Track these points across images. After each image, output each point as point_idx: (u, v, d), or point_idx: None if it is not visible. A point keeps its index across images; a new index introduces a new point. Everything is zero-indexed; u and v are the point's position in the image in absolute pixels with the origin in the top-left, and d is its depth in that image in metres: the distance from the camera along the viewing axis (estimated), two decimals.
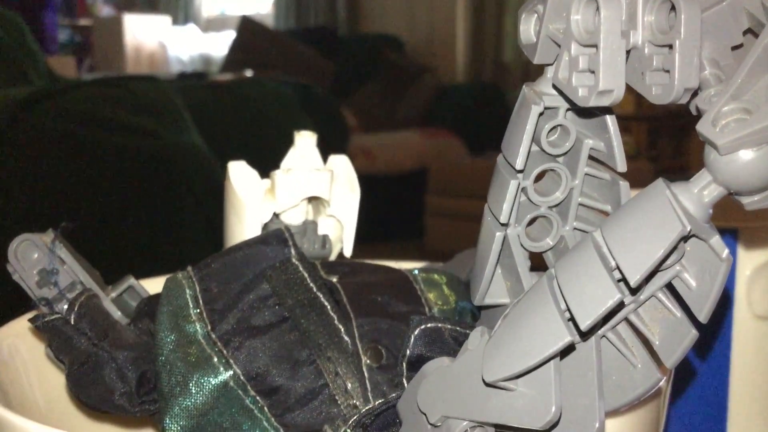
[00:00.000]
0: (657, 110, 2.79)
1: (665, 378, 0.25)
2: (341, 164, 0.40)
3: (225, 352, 0.32)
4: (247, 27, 3.53)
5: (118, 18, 4.24)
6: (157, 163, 1.38)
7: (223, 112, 1.76)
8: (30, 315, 0.34)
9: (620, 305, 0.23)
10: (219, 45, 4.22)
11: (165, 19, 4.42)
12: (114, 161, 1.35)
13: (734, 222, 0.42)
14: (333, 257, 0.40)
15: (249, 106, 1.82)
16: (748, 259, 0.43)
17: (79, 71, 3.68)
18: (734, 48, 0.24)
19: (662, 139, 2.92)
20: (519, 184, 0.25)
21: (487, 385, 0.23)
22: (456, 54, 3.68)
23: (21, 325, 0.36)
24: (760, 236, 0.43)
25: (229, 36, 3.87)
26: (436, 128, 3.04)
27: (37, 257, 0.35)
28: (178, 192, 1.37)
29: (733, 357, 0.43)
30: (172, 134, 1.45)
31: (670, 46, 0.22)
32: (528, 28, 0.25)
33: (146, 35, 4.23)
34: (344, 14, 4.10)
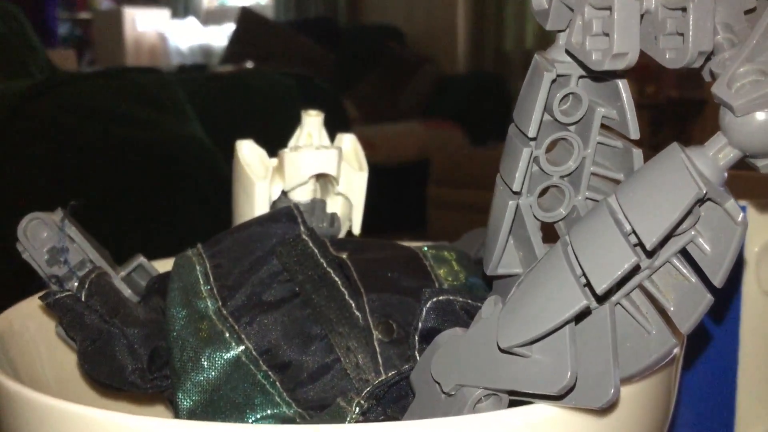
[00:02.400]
0: (658, 98, 2.79)
1: (679, 345, 0.25)
2: (349, 142, 0.40)
3: (236, 327, 0.32)
4: (247, 18, 3.52)
5: (118, 11, 4.24)
6: (160, 154, 1.38)
7: (224, 103, 1.76)
8: (39, 295, 0.34)
9: (635, 269, 0.23)
10: (219, 37, 4.22)
11: (164, 12, 4.41)
12: (116, 153, 1.35)
13: (743, 199, 0.42)
14: (342, 235, 0.40)
15: (250, 98, 1.82)
16: (757, 236, 0.43)
17: (79, 64, 3.68)
18: (747, 12, 0.24)
19: (664, 128, 2.91)
20: (531, 152, 0.25)
21: (502, 351, 0.23)
22: (456, 44, 3.68)
23: (31, 305, 0.36)
24: None
25: (229, 28, 3.87)
26: (438, 119, 3.04)
27: (47, 236, 0.35)
28: (181, 183, 1.37)
29: (741, 333, 0.43)
30: (174, 126, 1.45)
31: (684, 9, 0.22)
32: None
33: (146, 28, 4.22)
34: (344, 5, 4.09)
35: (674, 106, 2.82)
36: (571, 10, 0.23)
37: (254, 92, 1.85)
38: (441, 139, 2.88)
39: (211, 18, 4.62)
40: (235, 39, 3.51)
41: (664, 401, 0.27)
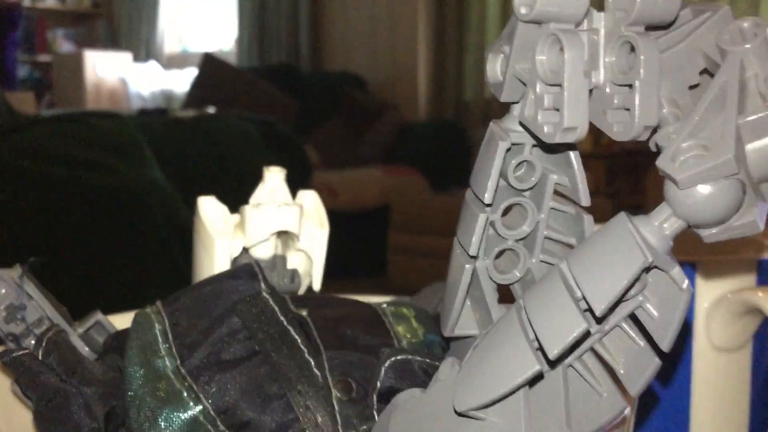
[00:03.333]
0: (614, 149, 2.85)
1: (630, 406, 0.25)
2: (310, 199, 0.40)
3: (195, 386, 0.32)
4: (210, 64, 3.53)
5: (79, 54, 4.22)
6: (119, 199, 1.37)
7: (185, 148, 1.75)
8: None
9: (586, 334, 0.23)
10: (181, 82, 4.22)
11: (126, 56, 4.41)
12: (75, 198, 1.34)
13: (693, 256, 0.44)
14: (302, 291, 0.40)
15: (212, 142, 1.82)
16: (707, 292, 0.44)
17: (38, 107, 3.65)
18: (691, 87, 0.25)
19: (619, 177, 2.97)
20: (488, 217, 0.26)
21: (459, 415, 0.24)
22: (418, 92, 3.73)
23: None
24: (718, 270, 0.44)
25: (191, 73, 3.87)
26: (399, 165, 3.07)
27: (5, 292, 0.34)
28: (140, 228, 1.36)
29: (693, 388, 0.44)
30: (134, 170, 1.45)
31: (630, 86, 0.23)
32: (495, 67, 0.26)
33: (107, 72, 4.21)
34: (307, 52, 4.13)
35: (629, 156, 2.88)
36: (524, 84, 0.24)
37: (216, 137, 1.85)
38: (402, 186, 2.91)
39: (172, 63, 4.62)
40: (197, 84, 3.52)
41: None
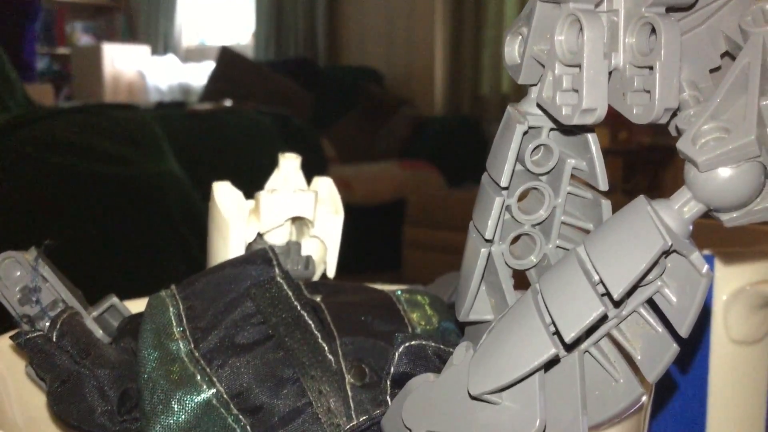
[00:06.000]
0: (631, 145, 2.83)
1: (647, 393, 0.25)
2: (325, 186, 0.40)
3: (208, 370, 0.32)
4: (227, 57, 3.54)
5: (97, 47, 4.24)
6: (136, 190, 1.38)
7: (202, 140, 1.76)
8: (10, 334, 0.34)
9: (603, 319, 0.23)
10: (198, 75, 4.23)
11: (144, 49, 4.42)
12: (92, 189, 1.35)
13: (710, 248, 0.43)
14: (316, 278, 0.40)
15: (228, 135, 1.82)
16: (725, 285, 0.43)
17: (57, 99, 3.67)
18: (712, 70, 0.25)
19: (637, 173, 2.95)
20: (504, 201, 0.26)
21: (473, 398, 0.24)
22: (434, 87, 3.72)
23: (0, 344, 0.36)
24: (737, 262, 0.43)
25: (209, 66, 3.88)
26: (414, 160, 3.06)
27: (20, 275, 0.34)
28: (156, 219, 1.37)
29: (711, 382, 0.44)
30: (151, 162, 1.45)
31: (651, 68, 0.23)
32: (512, 50, 0.26)
33: (125, 65, 4.23)
34: (324, 46, 4.13)
35: (646, 152, 2.86)
36: (542, 65, 0.24)
37: (232, 130, 1.86)
38: (417, 180, 2.90)
39: (190, 56, 4.64)
40: (215, 77, 3.52)
41: None
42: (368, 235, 2.65)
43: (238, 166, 1.61)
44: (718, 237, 0.48)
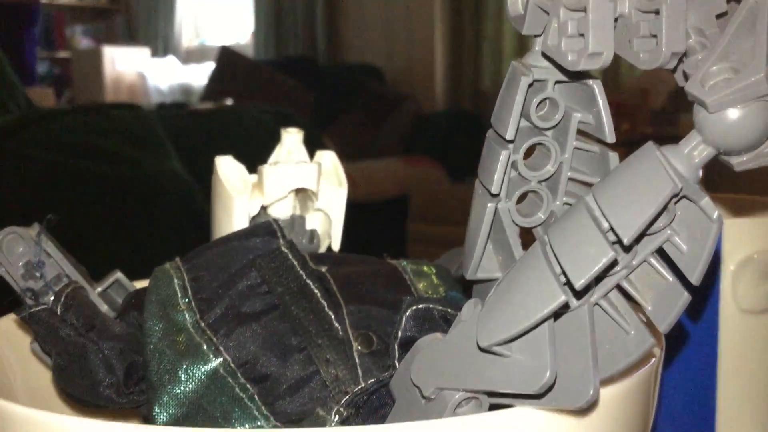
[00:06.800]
0: (634, 136, 2.82)
1: (657, 344, 0.25)
2: (329, 159, 0.40)
3: (214, 339, 0.31)
4: (227, 57, 3.54)
5: (98, 50, 4.25)
6: (138, 190, 1.38)
7: (203, 140, 1.76)
8: (15, 312, 0.34)
9: (613, 266, 0.23)
10: (199, 76, 4.23)
11: (144, 51, 4.43)
12: (95, 189, 1.35)
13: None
14: (321, 251, 0.40)
15: (229, 134, 1.82)
16: (733, 253, 0.43)
17: (57, 102, 3.68)
18: (719, 16, 0.24)
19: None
20: (509, 154, 0.26)
21: (482, 351, 0.23)
22: (435, 82, 3.72)
23: (4, 322, 0.36)
24: (745, 231, 0.43)
25: (209, 67, 3.88)
26: (417, 155, 3.06)
27: (23, 250, 0.34)
28: (159, 219, 1.36)
29: (720, 352, 0.44)
30: (153, 162, 1.45)
31: (657, 12, 0.22)
32: (516, 1, 0.25)
33: (125, 67, 4.23)
34: (324, 44, 4.13)
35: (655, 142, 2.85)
36: (547, 13, 0.24)
37: (233, 129, 1.85)
38: (420, 176, 2.90)
39: (191, 57, 4.64)
40: (215, 77, 3.52)
41: (645, 405, 0.27)
42: (372, 232, 2.64)
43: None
44: (726, 207, 0.48)
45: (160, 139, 1.52)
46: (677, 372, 0.44)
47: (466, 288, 0.34)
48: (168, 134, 1.55)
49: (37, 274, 0.34)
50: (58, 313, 0.33)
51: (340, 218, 0.39)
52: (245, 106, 2.49)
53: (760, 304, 0.44)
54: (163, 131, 1.56)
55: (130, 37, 4.78)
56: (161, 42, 4.73)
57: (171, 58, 4.54)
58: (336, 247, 0.40)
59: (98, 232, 1.30)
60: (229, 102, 2.94)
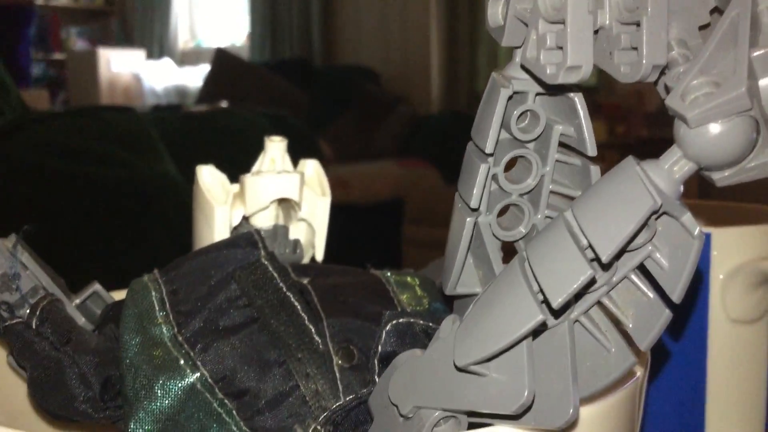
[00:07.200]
0: (628, 139, 2.82)
1: (639, 362, 0.24)
2: (312, 168, 0.39)
3: (192, 354, 0.31)
4: (222, 59, 3.54)
5: (93, 52, 4.24)
6: (132, 193, 1.37)
7: (198, 142, 1.75)
8: None
9: (592, 284, 0.22)
10: (194, 78, 4.23)
11: (139, 53, 4.42)
12: (88, 192, 1.34)
13: (706, 227, 0.42)
14: (305, 261, 0.39)
15: (224, 137, 1.81)
16: (722, 262, 0.43)
17: (52, 104, 3.67)
18: (702, 28, 0.24)
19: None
20: (489, 168, 0.25)
21: (459, 370, 0.23)
22: (430, 84, 3.71)
23: None
24: (734, 240, 0.43)
25: (205, 69, 3.88)
26: (412, 158, 3.05)
27: None
28: (154, 222, 1.36)
29: (709, 361, 0.43)
30: (147, 165, 1.44)
31: (638, 24, 0.22)
32: (496, 12, 0.25)
33: (121, 69, 4.23)
34: (319, 46, 4.13)
35: (644, 145, 2.86)
36: (526, 25, 0.23)
37: (228, 131, 1.85)
38: (415, 179, 2.89)
39: (186, 59, 4.63)
40: (210, 79, 3.52)
41: (628, 423, 0.26)
42: (367, 235, 2.64)
43: (234, 167, 1.60)
44: (715, 216, 0.48)
45: (154, 142, 1.51)
46: (666, 381, 0.43)
47: (450, 300, 0.34)
48: (162, 137, 1.55)
49: (13, 287, 0.33)
50: (34, 326, 0.32)
51: (324, 228, 0.39)
52: (240, 108, 2.49)
53: (749, 314, 0.43)
54: (157, 134, 1.55)
55: (125, 38, 4.77)
56: (157, 44, 4.72)
57: (166, 60, 4.53)
58: (320, 257, 0.40)
59: (91, 235, 1.30)
60: (224, 104, 2.93)
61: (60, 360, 0.32)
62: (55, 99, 3.96)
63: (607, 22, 0.23)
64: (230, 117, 2.05)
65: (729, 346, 0.43)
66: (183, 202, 1.40)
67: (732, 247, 0.43)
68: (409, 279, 0.36)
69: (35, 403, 0.33)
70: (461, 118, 3.29)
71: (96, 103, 3.97)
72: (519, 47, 0.25)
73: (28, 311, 0.33)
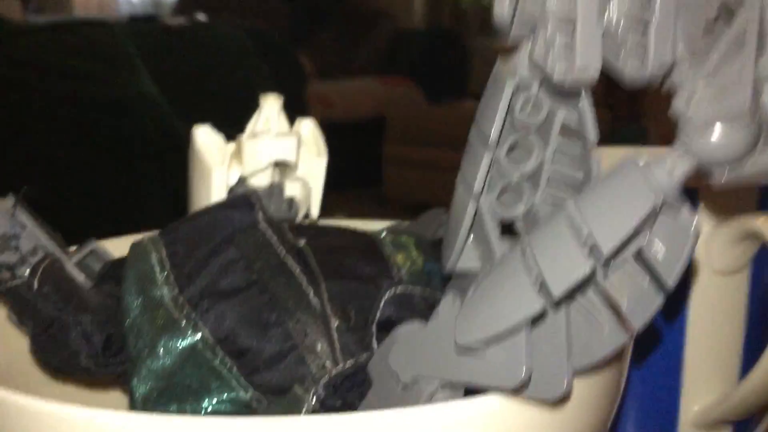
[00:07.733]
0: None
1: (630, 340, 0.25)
2: (308, 128, 0.40)
3: (193, 315, 0.32)
4: None
5: None
6: (110, 111, 1.35)
7: (175, 58, 1.72)
8: None
9: (592, 275, 0.23)
10: None
11: None
12: (65, 109, 1.32)
13: (694, 182, 0.43)
14: (300, 219, 0.40)
15: (202, 52, 1.78)
16: (708, 217, 0.44)
17: (25, 13, 3.56)
18: (708, 29, 0.24)
19: (617, 89, 2.93)
20: (492, 156, 0.25)
21: (459, 348, 0.24)
22: None
23: None
24: (720, 195, 0.44)
25: None
26: (394, 75, 3.02)
27: None
28: (132, 140, 1.35)
29: (690, 311, 0.45)
30: (125, 81, 1.42)
31: (645, 25, 0.22)
32: (502, 7, 0.25)
33: None
34: None
35: None
36: (534, 23, 0.23)
37: (206, 46, 1.81)
38: (397, 97, 2.87)
39: None
40: None
41: (614, 392, 0.28)
42: (349, 153, 2.63)
43: (213, 83, 1.58)
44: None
45: (131, 59, 1.49)
46: (647, 331, 0.45)
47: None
48: (139, 52, 1.52)
49: (13, 247, 0.34)
50: (35, 287, 0.33)
51: (320, 186, 0.39)
52: (218, 21, 2.43)
53: (732, 265, 0.44)
54: (135, 49, 1.52)
55: None
56: None
57: None
58: (315, 214, 0.40)
59: (69, 154, 1.29)
60: (201, 17, 2.86)
61: (62, 320, 0.32)
62: (27, 7, 3.84)
63: (615, 22, 0.23)
64: (208, 32, 2.00)
65: (711, 294, 0.45)
66: (162, 120, 1.38)
67: (718, 202, 0.44)
68: (404, 239, 0.37)
69: (38, 361, 0.34)
70: (445, 34, 3.24)
71: (70, 10, 3.86)
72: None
73: (28, 271, 0.33)
